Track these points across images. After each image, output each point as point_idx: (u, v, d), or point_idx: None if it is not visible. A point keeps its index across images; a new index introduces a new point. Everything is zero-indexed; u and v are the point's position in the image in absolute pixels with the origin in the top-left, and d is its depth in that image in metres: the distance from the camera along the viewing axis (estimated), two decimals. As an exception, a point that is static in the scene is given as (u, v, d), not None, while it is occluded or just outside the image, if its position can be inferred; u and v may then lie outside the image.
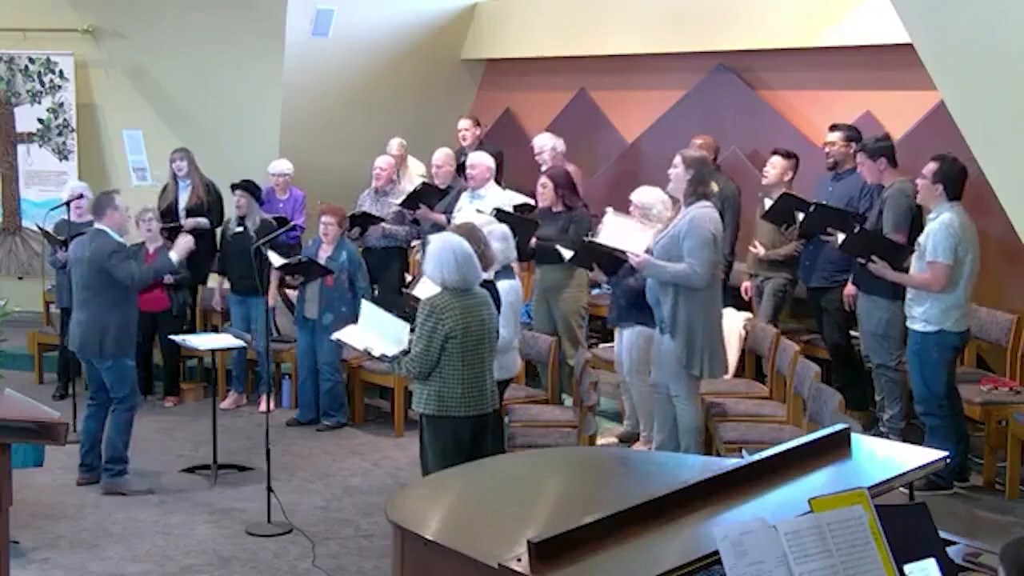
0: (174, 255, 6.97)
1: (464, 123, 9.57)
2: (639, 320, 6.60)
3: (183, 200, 8.93)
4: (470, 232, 5.57)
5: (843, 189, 7.11)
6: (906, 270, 6.24)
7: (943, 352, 6.12)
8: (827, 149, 7.33)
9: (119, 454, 6.57)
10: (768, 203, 7.32)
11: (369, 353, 5.46)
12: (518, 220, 7.38)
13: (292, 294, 8.37)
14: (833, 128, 7.34)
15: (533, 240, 7.48)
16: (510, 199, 8.22)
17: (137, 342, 8.37)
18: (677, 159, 6.09)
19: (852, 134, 7.19)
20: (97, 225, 6.63)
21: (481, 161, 8.21)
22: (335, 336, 5.97)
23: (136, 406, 6.67)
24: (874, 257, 6.24)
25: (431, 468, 5.06)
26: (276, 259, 7.61)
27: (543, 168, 8.62)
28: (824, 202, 6.91)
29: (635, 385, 6.86)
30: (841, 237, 6.48)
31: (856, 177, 6.97)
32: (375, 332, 5.56)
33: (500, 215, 7.24)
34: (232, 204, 8.34)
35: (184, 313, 8.59)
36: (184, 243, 7.05)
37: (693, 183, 6.01)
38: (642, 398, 6.78)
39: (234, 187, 8.27)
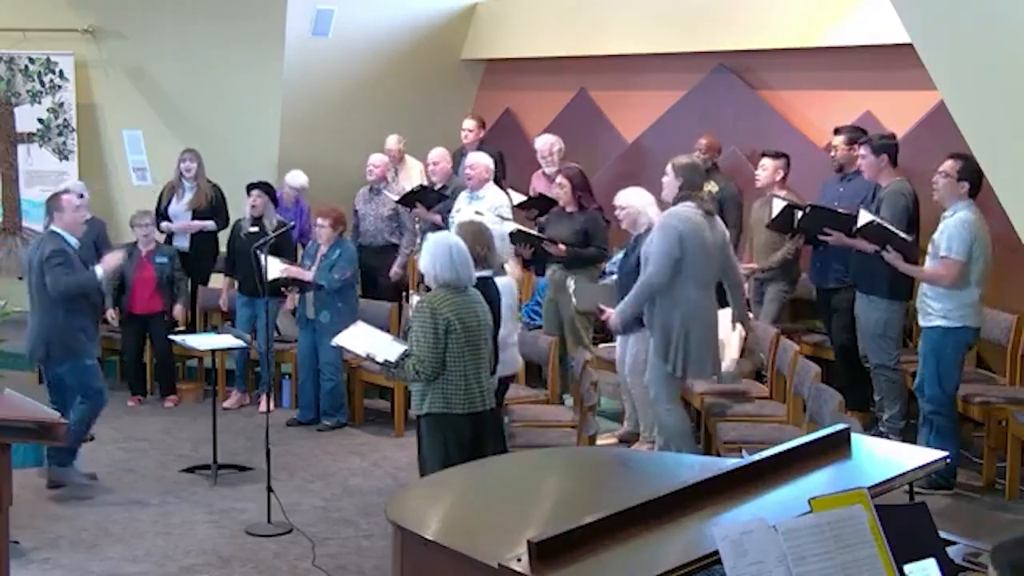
0: (100, 270, 6.68)
1: (469, 123, 9.58)
2: (641, 325, 6.61)
3: (186, 201, 8.92)
4: (478, 233, 5.56)
5: (854, 190, 7.10)
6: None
7: (959, 349, 6.17)
8: (832, 153, 7.34)
9: (70, 445, 6.40)
10: (777, 205, 7.28)
11: (371, 359, 5.41)
12: (533, 237, 7.52)
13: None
14: (837, 131, 7.34)
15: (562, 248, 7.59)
16: (507, 200, 8.22)
17: (128, 345, 8.48)
18: (668, 167, 6.21)
19: (855, 135, 7.17)
20: (52, 226, 6.53)
21: (479, 161, 8.22)
22: (335, 342, 5.90)
23: (102, 404, 6.58)
24: (888, 247, 6.24)
25: (431, 468, 5.02)
26: (274, 269, 7.46)
27: (546, 169, 8.64)
28: (834, 204, 6.90)
29: (636, 385, 6.87)
30: (866, 218, 6.42)
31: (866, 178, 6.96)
32: (373, 339, 5.55)
33: (517, 235, 7.48)
34: (246, 205, 8.32)
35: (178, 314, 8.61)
36: (112, 259, 6.83)
37: (683, 190, 6.13)
38: (642, 399, 6.79)
39: (250, 187, 8.26)
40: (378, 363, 5.30)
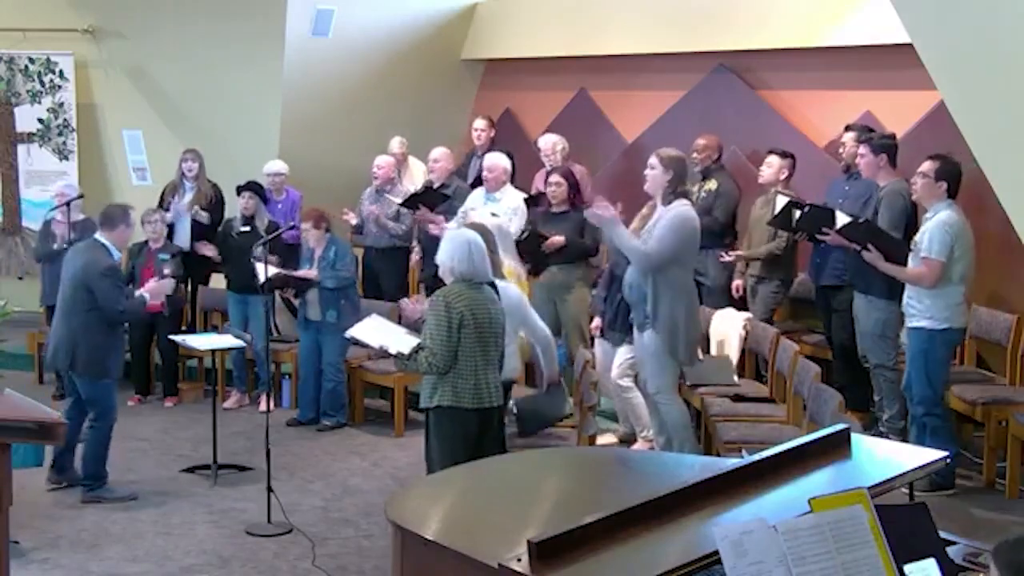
0: (146, 295, 6.56)
1: (480, 123, 9.56)
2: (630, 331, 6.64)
3: (186, 200, 8.91)
4: (483, 234, 5.58)
5: (859, 189, 7.09)
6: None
7: (947, 349, 6.18)
8: (840, 150, 7.33)
9: (96, 471, 6.41)
10: (780, 201, 7.27)
11: (385, 351, 5.44)
12: (539, 242, 7.60)
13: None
14: (848, 128, 7.33)
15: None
16: (523, 205, 8.19)
17: (135, 344, 8.46)
18: (654, 159, 6.13)
19: (864, 134, 7.15)
20: (99, 236, 6.41)
21: (498, 163, 8.20)
22: (349, 333, 5.88)
23: (113, 424, 6.46)
24: (869, 246, 6.25)
25: (438, 463, 5.06)
26: (270, 268, 7.39)
27: (549, 168, 8.63)
28: (839, 202, 6.90)
29: (629, 389, 6.88)
30: (844, 220, 6.44)
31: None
32: (387, 332, 5.57)
33: (529, 239, 7.54)
34: (238, 205, 8.36)
35: (179, 313, 8.59)
36: (161, 287, 6.72)
37: (673, 183, 6.06)
38: (637, 400, 6.79)
39: (240, 189, 8.30)
40: (391, 355, 5.35)
